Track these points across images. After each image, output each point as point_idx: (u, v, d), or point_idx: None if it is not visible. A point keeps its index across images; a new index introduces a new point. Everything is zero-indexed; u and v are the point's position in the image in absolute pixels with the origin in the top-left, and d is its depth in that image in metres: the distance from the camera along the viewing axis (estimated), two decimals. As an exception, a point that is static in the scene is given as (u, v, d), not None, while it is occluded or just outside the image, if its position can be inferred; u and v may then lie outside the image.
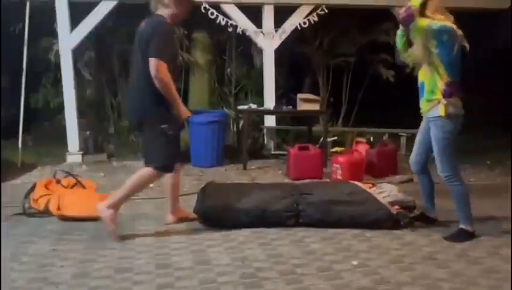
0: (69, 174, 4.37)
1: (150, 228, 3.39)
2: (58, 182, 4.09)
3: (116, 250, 2.94)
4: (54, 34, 6.17)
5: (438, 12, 3.01)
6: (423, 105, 3.15)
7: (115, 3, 5.82)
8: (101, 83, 7.21)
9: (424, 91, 3.11)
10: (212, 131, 5.73)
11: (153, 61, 2.97)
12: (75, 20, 5.90)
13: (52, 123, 7.02)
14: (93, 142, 6.27)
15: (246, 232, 3.25)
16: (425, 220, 3.42)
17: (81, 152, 6.03)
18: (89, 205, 3.60)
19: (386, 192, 3.42)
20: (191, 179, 5.10)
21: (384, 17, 7.01)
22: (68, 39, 5.88)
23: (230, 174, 5.40)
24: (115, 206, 3.13)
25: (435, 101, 3.04)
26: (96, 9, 5.85)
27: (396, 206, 3.34)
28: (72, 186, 4.09)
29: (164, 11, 3.16)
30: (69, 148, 6.00)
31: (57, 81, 6.26)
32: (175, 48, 3.63)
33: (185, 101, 7.63)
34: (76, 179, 4.21)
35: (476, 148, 7.30)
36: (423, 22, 2.94)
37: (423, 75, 3.11)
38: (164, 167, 3.18)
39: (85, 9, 5.88)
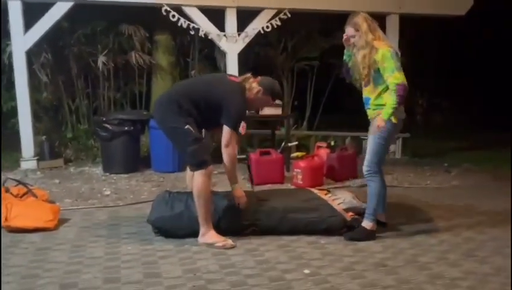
0: (19, 182, 4.18)
1: (101, 239, 3.29)
2: (7, 191, 3.90)
3: (64, 264, 2.83)
4: (8, 35, 5.93)
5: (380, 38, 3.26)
6: (370, 112, 3.35)
7: (71, 4, 5.64)
8: (59, 86, 6.98)
9: (370, 102, 3.31)
10: (173, 136, 5.62)
11: (227, 132, 3.13)
12: (31, 20, 5.69)
13: (6, 127, 6.74)
14: (49, 147, 6.05)
15: (200, 241, 3.19)
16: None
17: (36, 158, 5.81)
18: (38, 215, 3.48)
19: (340, 199, 3.45)
20: (151, 186, 5.01)
21: (346, 21, 7.08)
22: (22, 40, 5.66)
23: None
24: (207, 226, 3.13)
25: (381, 109, 3.22)
26: (52, 9, 5.66)
27: (351, 213, 3.37)
28: (22, 196, 3.91)
29: (250, 88, 3.30)
30: (23, 154, 5.78)
31: (11, 84, 6.00)
32: None
33: (147, 104, 7.51)
34: (27, 187, 4.04)
35: (437, 151, 7.52)
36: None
37: (368, 92, 3.31)
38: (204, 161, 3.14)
39: (40, 9, 5.68)
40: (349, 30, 3.29)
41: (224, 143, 3.14)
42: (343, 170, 5.36)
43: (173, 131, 3.20)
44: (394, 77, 3.13)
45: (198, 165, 3.10)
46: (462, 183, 5.38)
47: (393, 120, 3.18)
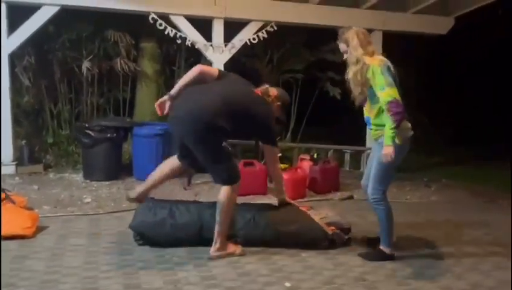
0: (-4, 188, 4.09)
1: (80, 248, 3.23)
2: (-17, 196, 3.81)
3: (41, 273, 2.78)
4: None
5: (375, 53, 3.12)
6: (373, 132, 3.19)
7: (57, 8, 5.59)
8: (41, 90, 6.88)
9: (370, 122, 3.16)
10: (156, 144, 5.59)
11: (273, 150, 3.36)
12: (15, 23, 5.61)
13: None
14: (28, 152, 5.94)
15: (181, 252, 3.17)
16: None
17: (15, 163, 5.70)
18: (15, 222, 3.40)
19: (322, 214, 3.46)
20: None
21: (331, 36, 7.20)
22: (5, 43, 5.57)
23: (173, 188, 5.28)
24: (225, 240, 3.14)
25: (382, 129, 3.03)
26: (37, 13, 5.60)
27: (333, 227, 3.39)
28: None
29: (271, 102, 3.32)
30: (2, 158, 5.65)
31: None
32: None
33: (130, 111, 7.46)
34: (5, 193, 3.95)
35: (417, 165, 7.64)
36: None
37: (367, 112, 3.18)
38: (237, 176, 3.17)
39: (25, 12, 5.61)
40: (341, 46, 3.17)
41: (274, 160, 3.39)
42: (325, 183, 5.40)
43: (207, 142, 3.03)
44: (385, 93, 2.94)
45: (231, 181, 3.08)
46: (441, 199, 5.48)
47: (398, 141, 2.94)
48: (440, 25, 6.92)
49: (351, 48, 3.08)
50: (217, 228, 3.08)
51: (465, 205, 5.19)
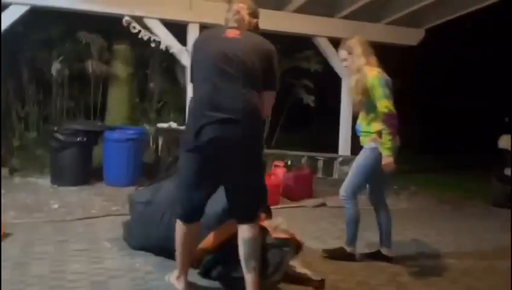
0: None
1: (47, 256, 3.12)
2: None
3: (5, 282, 2.65)
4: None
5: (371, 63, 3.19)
6: (362, 139, 3.27)
7: (26, 8, 5.42)
8: (7, 91, 6.65)
9: (361, 129, 3.26)
10: (128, 149, 5.50)
11: (273, 97, 2.51)
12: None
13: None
14: (-7, 155, 5.72)
15: (152, 260, 3.10)
16: (380, 259, 3.37)
17: (-21, 166, 5.47)
18: (-23, 229, 3.26)
19: (276, 222, 3.04)
20: (102, 200, 4.83)
21: (306, 44, 7.30)
22: (-30, 42, 5.37)
23: (145, 194, 5.19)
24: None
25: (371, 136, 3.17)
26: (4, 13, 5.41)
27: (286, 235, 2.93)
28: (-40, 207, 3.67)
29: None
30: (-36, 162, 5.42)
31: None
32: None
33: (102, 114, 7.30)
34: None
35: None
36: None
37: (361, 119, 3.28)
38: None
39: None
40: (342, 53, 3.22)
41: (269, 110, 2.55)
42: (299, 190, 5.43)
43: (258, 157, 2.45)
44: (382, 105, 3.04)
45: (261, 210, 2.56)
46: (410, 206, 5.60)
47: (380, 150, 3.09)
48: (411, 36, 7.10)
49: (354, 56, 3.16)
50: (254, 277, 2.37)
51: (434, 213, 5.32)
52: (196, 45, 2.55)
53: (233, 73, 2.33)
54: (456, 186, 6.88)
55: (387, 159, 3.06)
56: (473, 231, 4.51)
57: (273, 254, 2.71)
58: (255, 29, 2.60)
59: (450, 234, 4.32)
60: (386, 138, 3.05)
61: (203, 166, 2.37)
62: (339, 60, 3.34)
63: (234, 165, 2.34)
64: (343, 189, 3.26)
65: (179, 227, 2.49)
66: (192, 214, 2.48)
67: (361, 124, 3.25)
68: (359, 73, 3.12)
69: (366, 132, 3.21)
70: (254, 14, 2.61)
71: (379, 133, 3.12)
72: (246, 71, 2.33)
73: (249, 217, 2.38)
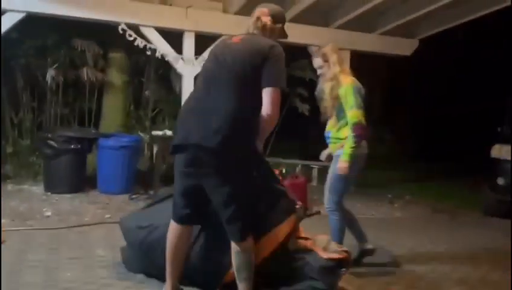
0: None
1: (40, 264, 3.09)
2: None
3: (-5, 291, 2.63)
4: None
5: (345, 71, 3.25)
6: (332, 146, 3.33)
7: (22, 15, 5.42)
8: (2, 97, 6.62)
9: (331, 136, 3.31)
10: (122, 157, 5.48)
11: (273, 94, 2.27)
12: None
13: None
14: (-14, 162, 5.68)
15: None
16: (368, 254, 3.39)
17: (-29, 173, 5.44)
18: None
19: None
20: (95, 207, 4.81)
21: (300, 53, 7.34)
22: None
23: (138, 203, 5.17)
24: None
25: (340, 142, 3.23)
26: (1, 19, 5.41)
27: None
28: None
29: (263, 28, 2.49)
30: (-44, 168, 5.38)
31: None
32: None
33: (96, 121, 7.28)
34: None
35: (381, 182, 7.82)
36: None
37: (330, 126, 3.33)
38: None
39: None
40: (317, 60, 3.28)
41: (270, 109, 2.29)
42: (293, 198, 5.42)
43: (239, 176, 2.28)
44: (352, 114, 3.10)
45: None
46: (405, 215, 5.62)
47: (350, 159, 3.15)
48: (405, 46, 7.18)
49: (329, 63, 3.22)
50: (246, 287, 2.36)
51: (428, 222, 5.34)
52: (210, 52, 2.51)
53: (221, 79, 2.27)
54: (450, 195, 6.93)
55: (342, 163, 3.12)
56: (467, 240, 4.53)
57: (326, 276, 2.64)
58: (280, 35, 2.52)
59: (444, 243, 4.33)
60: (349, 144, 3.12)
61: (184, 171, 2.33)
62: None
63: (211, 183, 2.26)
64: (327, 201, 3.29)
65: (171, 227, 2.46)
66: (182, 216, 2.43)
67: (331, 130, 3.30)
68: (334, 80, 3.18)
69: (336, 139, 3.27)
70: (276, 19, 2.50)
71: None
72: (234, 76, 2.25)
73: (233, 238, 2.32)
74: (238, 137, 2.20)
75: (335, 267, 2.73)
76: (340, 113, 3.20)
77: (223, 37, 2.51)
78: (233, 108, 2.20)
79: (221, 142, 2.16)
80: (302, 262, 2.70)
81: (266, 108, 2.25)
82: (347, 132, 3.16)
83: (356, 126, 3.10)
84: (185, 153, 2.29)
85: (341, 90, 3.15)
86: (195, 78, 6.31)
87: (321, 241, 2.92)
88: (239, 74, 2.26)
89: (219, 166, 2.21)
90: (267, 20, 2.47)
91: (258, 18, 2.46)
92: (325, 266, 2.68)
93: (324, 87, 3.24)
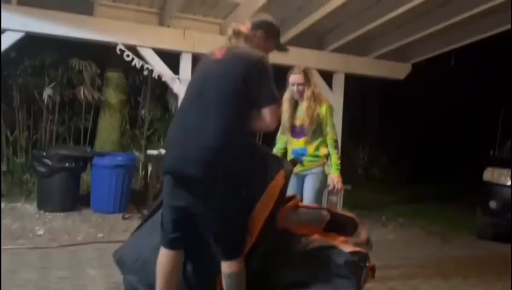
0: None
1: (30, 283, 3.06)
2: None
3: (-16, 311, 2.60)
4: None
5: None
6: (306, 163, 3.38)
7: (21, 34, 5.49)
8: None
9: (307, 154, 3.39)
10: (116, 176, 5.47)
11: (270, 112, 2.23)
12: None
13: None
14: (-21, 179, 5.65)
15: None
16: None
17: (-37, 190, 5.40)
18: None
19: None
20: (88, 226, 4.78)
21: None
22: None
23: (132, 222, 5.14)
24: None
25: (319, 160, 3.38)
26: (-1, 38, 5.48)
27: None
28: None
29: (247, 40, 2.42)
30: None
31: None
32: None
33: (91, 140, 7.30)
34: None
35: (375, 204, 7.83)
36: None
37: (304, 143, 3.38)
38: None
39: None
40: (298, 77, 3.37)
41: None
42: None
43: (225, 198, 2.22)
44: (335, 132, 3.39)
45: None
46: (398, 237, 5.62)
47: (327, 172, 3.39)
48: (398, 70, 7.29)
49: (311, 82, 3.38)
50: None
51: (421, 244, 5.34)
52: (195, 69, 2.49)
53: (206, 98, 2.21)
54: (443, 218, 6.93)
55: (337, 176, 3.35)
56: (459, 264, 4.53)
57: (353, 272, 2.51)
58: (262, 42, 2.40)
59: (437, 266, 4.33)
60: (338, 160, 3.36)
61: (172, 191, 2.29)
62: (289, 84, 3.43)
63: (198, 206, 2.22)
64: None
65: (162, 255, 2.38)
66: (173, 241, 2.34)
67: (307, 148, 3.37)
68: (312, 99, 3.31)
69: (314, 157, 3.38)
70: (257, 26, 2.42)
71: (327, 157, 3.39)
72: (220, 96, 2.19)
73: (223, 257, 2.27)
74: (224, 160, 2.14)
75: (359, 261, 2.57)
76: (317, 132, 3.36)
77: (206, 53, 2.49)
78: (220, 128, 2.15)
79: (205, 169, 2.12)
80: (325, 260, 2.56)
81: (267, 121, 2.21)
82: (325, 150, 3.36)
83: (336, 142, 3.36)
84: (172, 177, 2.26)
85: (322, 110, 3.32)
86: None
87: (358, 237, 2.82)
88: (224, 91, 2.19)
89: (206, 191, 2.16)
90: (244, 28, 2.40)
91: (238, 31, 2.41)
92: (350, 260, 2.54)
93: (300, 104, 3.37)
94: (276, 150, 3.55)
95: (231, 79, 2.21)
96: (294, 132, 3.42)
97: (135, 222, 5.12)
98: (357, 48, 6.78)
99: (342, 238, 2.77)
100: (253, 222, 2.33)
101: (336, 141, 3.39)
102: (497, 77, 10.38)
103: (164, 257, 2.36)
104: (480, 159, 6.37)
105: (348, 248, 2.60)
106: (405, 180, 10.42)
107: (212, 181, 2.14)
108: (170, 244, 2.36)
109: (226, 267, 2.27)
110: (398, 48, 6.70)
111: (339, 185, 3.36)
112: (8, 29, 5.36)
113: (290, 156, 3.47)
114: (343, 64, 6.88)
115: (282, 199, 2.52)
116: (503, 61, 9.50)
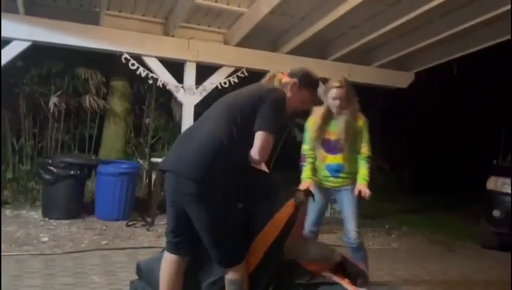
0: None
1: (35, 289, 3.09)
2: None
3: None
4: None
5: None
6: (341, 180, 3.31)
7: (28, 44, 5.58)
8: (4, 123, 6.71)
9: (343, 170, 3.29)
10: (121, 183, 5.51)
11: (262, 138, 2.30)
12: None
13: None
14: (-15, 187, 5.70)
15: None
16: None
17: (-30, 197, 5.45)
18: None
19: None
20: (92, 234, 4.81)
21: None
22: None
23: (135, 230, 5.17)
24: None
25: (354, 177, 3.29)
26: (6, 48, 5.55)
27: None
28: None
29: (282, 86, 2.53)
30: (-45, 193, 5.40)
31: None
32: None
33: (96, 148, 7.36)
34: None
35: (378, 212, 7.82)
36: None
37: (341, 160, 3.28)
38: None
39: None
40: (339, 91, 3.19)
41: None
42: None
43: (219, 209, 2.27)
44: (369, 149, 3.29)
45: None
46: (402, 246, 5.61)
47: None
48: (401, 79, 7.33)
49: (352, 97, 3.25)
50: None
51: (425, 253, 5.33)
52: None
53: (215, 113, 2.37)
54: (447, 227, 6.92)
55: (365, 187, 3.22)
56: (463, 273, 4.52)
57: None
58: (295, 89, 2.50)
59: (441, 275, 4.32)
60: (367, 174, 3.26)
61: (172, 197, 2.35)
62: (329, 98, 3.28)
63: (190, 209, 2.25)
64: (357, 235, 3.27)
65: (166, 262, 2.42)
66: (177, 244, 2.39)
67: (344, 164, 3.27)
68: (352, 115, 3.23)
69: (349, 173, 3.29)
70: (293, 74, 2.55)
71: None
72: (227, 111, 2.32)
73: (222, 264, 2.31)
74: (214, 166, 2.20)
75: None
76: (355, 147, 3.26)
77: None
78: (215, 138, 2.23)
79: (196, 171, 2.18)
80: None
81: (254, 152, 2.29)
82: (357, 166, 3.26)
83: (370, 160, 3.26)
84: (169, 179, 2.33)
85: (360, 123, 3.25)
86: (196, 106, 6.45)
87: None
88: (233, 109, 2.32)
89: (196, 193, 2.20)
90: (282, 76, 2.52)
91: (274, 75, 2.52)
92: None
93: (339, 120, 3.23)
94: (309, 165, 3.34)
95: (242, 102, 2.35)
96: (329, 146, 3.28)
97: (139, 229, 5.17)
98: (359, 57, 6.84)
99: (347, 280, 2.69)
100: (253, 251, 2.36)
101: (369, 157, 3.27)
102: (499, 85, 10.39)
103: (169, 263, 2.41)
104: (483, 168, 6.36)
105: (351, 288, 2.58)
106: (407, 188, 10.40)
107: (201, 184, 2.18)
108: (175, 249, 2.41)
109: (228, 273, 2.31)
110: (401, 57, 6.75)
111: (367, 193, 3.18)
112: (16, 39, 5.45)
113: (322, 172, 3.34)
114: (346, 74, 6.88)
115: (290, 229, 2.47)
116: (506, 69, 9.52)
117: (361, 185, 3.21)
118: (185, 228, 2.35)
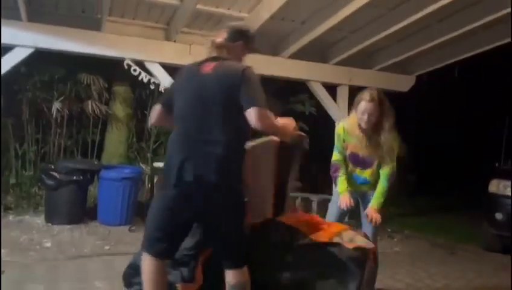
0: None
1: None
2: None
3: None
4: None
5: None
6: (366, 186, 3.22)
7: (31, 50, 5.61)
8: (7, 129, 6.75)
9: (369, 183, 3.21)
10: (123, 188, 5.53)
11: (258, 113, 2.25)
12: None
13: None
14: (-12, 192, 5.73)
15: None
16: None
17: (-27, 203, 5.48)
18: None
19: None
20: (95, 239, 4.83)
21: (300, 88, 7.52)
22: (-26, 81, 5.50)
23: (138, 234, 5.18)
24: None
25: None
26: (9, 54, 5.59)
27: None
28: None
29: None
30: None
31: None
32: None
33: (99, 153, 7.38)
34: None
35: (381, 215, 7.80)
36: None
37: (368, 175, 3.18)
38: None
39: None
40: (372, 107, 2.93)
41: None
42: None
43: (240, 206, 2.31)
44: (394, 165, 3.07)
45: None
46: (404, 250, 5.61)
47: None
48: (402, 83, 7.33)
49: (385, 111, 2.99)
50: None
51: (427, 257, 5.32)
52: (177, 81, 2.51)
53: (210, 115, 2.28)
54: (449, 230, 6.91)
55: (375, 212, 3.18)
56: (465, 276, 4.51)
57: (353, 268, 2.49)
58: (243, 51, 2.56)
59: (443, 279, 4.32)
60: (385, 193, 3.16)
61: (174, 207, 2.28)
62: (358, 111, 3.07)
63: (205, 216, 2.28)
64: (373, 233, 3.21)
65: (147, 265, 2.34)
66: (161, 249, 2.34)
67: (371, 179, 3.17)
68: (383, 133, 2.99)
69: (374, 185, 3.18)
70: (232, 36, 2.51)
71: None
72: (220, 110, 2.28)
73: (233, 264, 2.29)
74: (233, 169, 2.25)
75: (362, 257, 2.56)
76: (380, 164, 3.11)
77: (189, 66, 2.51)
78: (227, 140, 2.24)
79: (219, 178, 2.20)
80: (327, 257, 2.53)
81: (256, 124, 2.23)
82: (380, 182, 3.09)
83: (393, 177, 3.09)
84: (176, 189, 2.26)
85: (393, 144, 3.03)
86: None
87: (346, 234, 2.70)
88: (223, 106, 2.28)
89: (220, 198, 2.22)
90: (223, 40, 2.48)
91: (212, 41, 2.47)
92: (352, 256, 2.53)
93: (381, 137, 3.02)
94: (343, 176, 3.19)
95: (226, 94, 2.30)
96: (357, 161, 3.14)
97: (141, 234, 5.15)
98: (360, 60, 6.85)
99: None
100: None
101: (392, 174, 3.08)
102: (501, 87, 10.39)
103: (150, 265, 2.33)
104: (485, 171, 6.35)
105: (350, 245, 2.60)
106: (409, 192, 10.38)
107: (225, 189, 2.22)
108: (158, 253, 2.33)
109: (232, 277, 2.27)
110: (402, 61, 6.75)
111: (377, 220, 3.07)
112: (19, 45, 5.49)
113: (350, 180, 3.20)
114: (347, 77, 6.93)
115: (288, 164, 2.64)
116: (507, 72, 9.52)
117: (371, 210, 3.09)
118: (182, 235, 2.37)
